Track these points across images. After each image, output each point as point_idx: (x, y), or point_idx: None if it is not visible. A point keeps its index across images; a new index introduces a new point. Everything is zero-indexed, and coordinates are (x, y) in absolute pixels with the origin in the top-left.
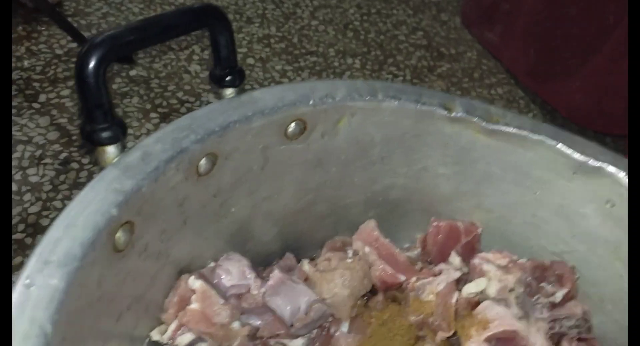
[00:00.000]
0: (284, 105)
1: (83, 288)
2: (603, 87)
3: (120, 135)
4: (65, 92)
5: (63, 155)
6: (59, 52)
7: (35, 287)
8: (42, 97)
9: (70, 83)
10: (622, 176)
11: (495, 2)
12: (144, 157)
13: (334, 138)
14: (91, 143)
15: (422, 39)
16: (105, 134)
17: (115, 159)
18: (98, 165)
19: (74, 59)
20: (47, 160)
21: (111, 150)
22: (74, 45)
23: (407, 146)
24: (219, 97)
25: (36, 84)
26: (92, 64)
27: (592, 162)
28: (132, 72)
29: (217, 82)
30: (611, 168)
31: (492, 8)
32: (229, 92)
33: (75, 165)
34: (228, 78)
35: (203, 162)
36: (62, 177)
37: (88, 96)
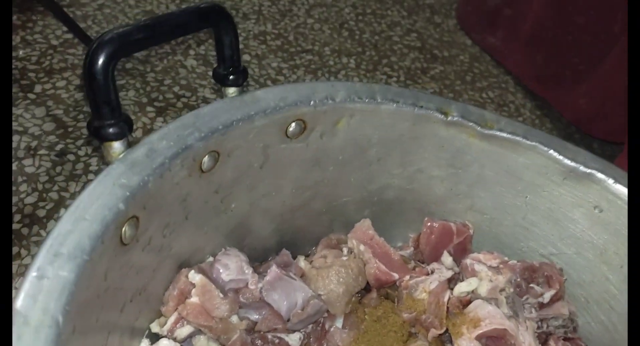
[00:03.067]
0: (285, 105)
1: (91, 281)
2: (608, 94)
3: (126, 131)
4: (61, 83)
5: (59, 146)
6: (54, 42)
7: (47, 279)
8: (38, 88)
9: (66, 74)
10: (611, 183)
11: (497, 7)
12: (150, 153)
13: (332, 139)
14: (99, 139)
15: (416, 41)
16: (112, 130)
17: (122, 155)
18: (104, 161)
19: (69, 50)
20: (43, 151)
21: (117, 145)
22: (69, 35)
23: (403, 148)
24: (215, 92)
25: (32, 74)
26: (101, 61)
27: (582, 168)
28: (128, 65)
29: (221, 81)
30: (600, 175)
31: (494, 13)
32: (232, 91)
33: (71, 157)
34: (231, 77)
35: (206, 159)
36: (58, 169)
37: (97, 93)
